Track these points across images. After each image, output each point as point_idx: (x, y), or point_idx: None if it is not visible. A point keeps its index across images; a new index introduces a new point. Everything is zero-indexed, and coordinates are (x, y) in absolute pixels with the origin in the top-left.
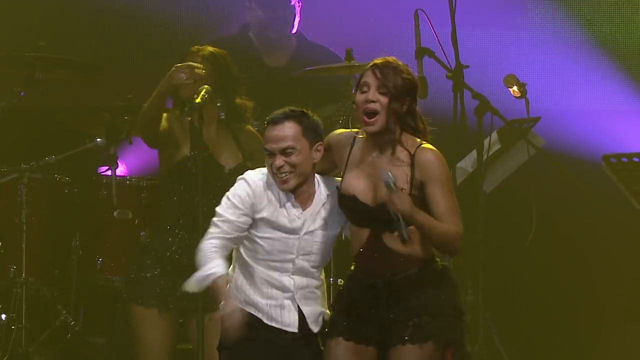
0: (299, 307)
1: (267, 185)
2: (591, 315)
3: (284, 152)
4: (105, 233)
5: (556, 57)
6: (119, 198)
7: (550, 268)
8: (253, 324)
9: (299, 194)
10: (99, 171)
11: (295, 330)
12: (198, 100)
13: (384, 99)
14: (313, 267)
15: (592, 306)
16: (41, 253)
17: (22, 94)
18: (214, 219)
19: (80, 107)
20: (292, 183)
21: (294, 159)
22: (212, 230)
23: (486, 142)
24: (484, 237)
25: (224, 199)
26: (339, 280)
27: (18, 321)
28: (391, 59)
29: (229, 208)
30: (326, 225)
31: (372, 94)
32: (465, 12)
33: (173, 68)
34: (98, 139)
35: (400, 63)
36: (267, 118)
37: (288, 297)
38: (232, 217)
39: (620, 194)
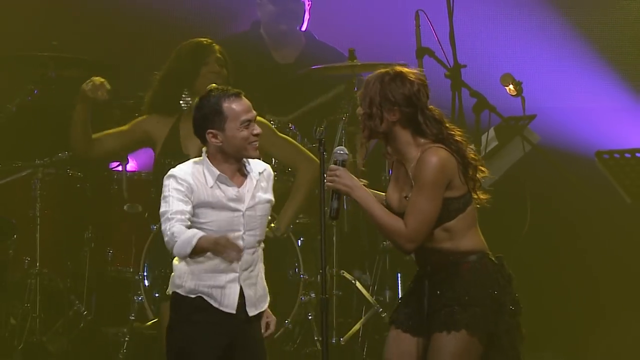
0: (241, 289)
1: (194, 174)
2: (583, 305)
3: (254, 119)
4: (116, 226)
5: (551, 57)
6: (129, 192)
7: (544, 259)
8: (201, 306)
9: (234, 174)
10: (110, 167)
11: (234, 311)
12: None
13: (363, 113)
14: (257, 241)
15: (585, 296)
16: (54, 245)
17: (36, 92)
18: (164, 223)
19: (93, 104)
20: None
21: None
22: (167, 224)
23: (484, 138)
24: (481, 229)
25: (163, 200)
26: (342, 271)
27: (32, 311)
28: (383, 70)
29: (173, 202)
30: (263, 200)
31: (359, 108)
32: (464, 13)
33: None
34: None
35: (390, 73)
36: (225, 92)
37: (232, 280)
38: (182, 207)
39: (612, 189)
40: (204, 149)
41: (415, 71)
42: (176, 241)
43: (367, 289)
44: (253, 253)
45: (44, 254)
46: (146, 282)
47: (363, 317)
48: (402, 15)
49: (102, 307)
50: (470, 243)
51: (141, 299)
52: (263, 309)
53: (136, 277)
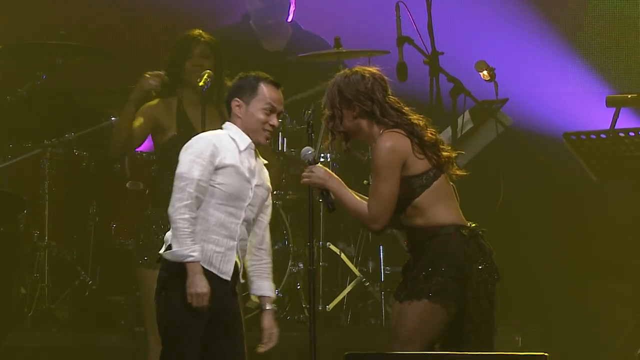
0: (236, 259)
1: (222, 139)
2: (552, 276)
3: (279, 114)
4: (119, 202)
5: (522, 45)
6: (131, 171)
7: (516, 233)
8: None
9: (254, 150)
10: None
11: (229, 279)
12: (201, 83)
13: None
14: (253, 219)
15: (553, 265)
16: (62, 220)
17: (45, 77)
18: (181, 183)
19: (97, 89)
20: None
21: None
22: (180, 196)
23: (460, 120)
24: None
25: (186, 159)
26: (328, 244)
27: (41, 281)
28: (341, 73)
29: (194, 167)
30: (266, 185)
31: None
32: (442, 4)
33: (144, 76)
34: (113, 118)
35: (346, 74)
36: (267, 77)
37: (231, 247)
38: (199, 177)
39: (579, 167)
40: (226, 123)
41: (370, 68)
42: (180, 238)
43: (351, 260)
44: (248, 227)
45: (52, 228)
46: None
47: (348, 286)
48: (383, 6)
49: (106, 277)
50: (441, 217)
51: None
52: (242, 281)
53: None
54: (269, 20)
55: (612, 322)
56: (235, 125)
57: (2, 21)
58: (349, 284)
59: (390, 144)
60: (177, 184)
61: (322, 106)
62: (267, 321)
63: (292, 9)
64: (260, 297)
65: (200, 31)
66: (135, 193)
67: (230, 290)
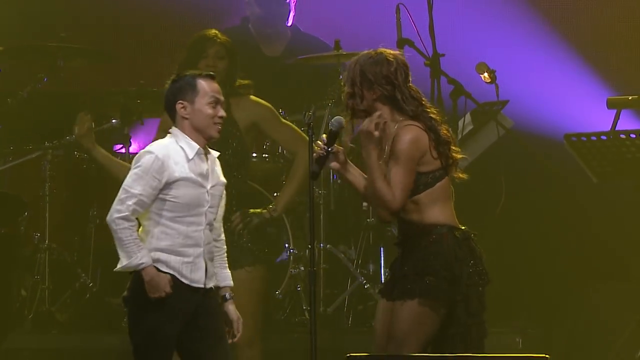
0: (205, 263)
1: (170, 150)
2: (553, 278)
3: (222, 105)
4: None
5: (523, 47)
6: None
7: (517, 235)
8: (173, 285)
9: (203, 150)
10: (114, 149)
11: (202, 285)
12: None
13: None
14: (215, 219)
15: (554, 268)
16: (62, 222)
17: (46, 79)
18: (122, 195)
19: (97, 91)
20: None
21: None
22: (119, 208)
23: (460, 122)
24: (457, 207)
25: (132, 172)
26: (329, 246)
27: (42, 283)
28: (365, 52)
29: (137, 182)
30: (221, 182)
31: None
32: (442, 6)
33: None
34: (113, 120)
35: (370, 54)
36: (200, 73)
37: (199, 254)
38: (140, 192)
39: (579, 169)
40: (172, 128)
41: (394, 52)
42: (125, 248)
43: (352, 263)
44: (211, 229)
45: (52, 230)
46: None
47: (348, 289)
48: (383, 8)
49: (107, 279)
50: (436, 217)
51: None
52: (215, 282)
53: None
54: (268, 29)
55: (613, 324)
56: (181, 131)
57: (3, 23)
58: (349, 286)
59: (413, 136)
60: (119, 195)
61: (342, 83)
62: (232, 312)
63: (291, 14)
64: (223, 287)
65: (217, 32)
66: None
67: (202, 295)
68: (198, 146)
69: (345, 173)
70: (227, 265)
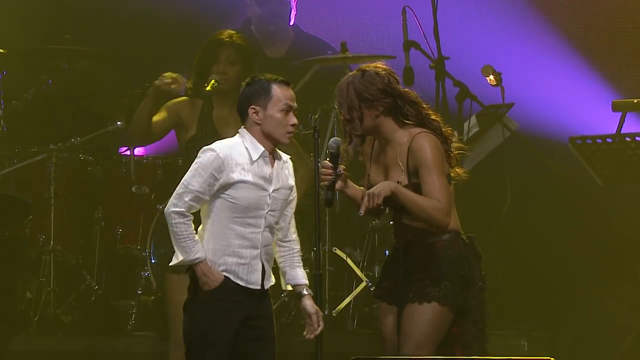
0: (262, 265)
1: (234, 151)
2: (559, 281)
3: (295, 112)
4: (125, 206)
5: (528, 49)
6: (137, 175)
7: (523, 238)
8: (227, 285)
9: (270, 154)
10: (119, 151)
11: (259, 287)
12: (208, 88)
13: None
14: (275, 222)
15: (560, 272)
16: (67, 224)
17: (50, 82)
18: (180, 190)
19: (102, 94)
20: None
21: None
22: (176, 202)
23: (466, 125)
24: (464, 209)
25: (193, 167)
26: (334, 248)
27: (47, 285)
28: (350, 75)
29: (195, 178)
30: (287, 185)
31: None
32: (448, 9)
33: (162, 76)
34: (118, 122)
35: (357, 75)
36: (276, 78)
37: (255, 256)
38: (200, 189)
39: (585, 172)
40: (241, 128)
41: (379, 64)
42: (180, 243)
43: (358, 265)
44: (271, 231)
45: (57, 232)
46: (152, 259)
47: (354, 291)
48: (389, 11)
49: (112, 281)
50: (451, 223)
51: (148, 275)
52: (273, 282)
53: (143, 254)
54: (270, 27)
55: (618, 327)
56: (249, 133)
57: (8, 25)
58: (355, 288)
59: (432, 140)
60: (178, 189)
61: (337, 109)
62: (310, 306)
63: (293, 13)
64: (295, 286)
65: (232, 33)
66: (141, 197)
67: (257, 297)
68: (263, 148)
69: (347, 190)
70: (300, 264)
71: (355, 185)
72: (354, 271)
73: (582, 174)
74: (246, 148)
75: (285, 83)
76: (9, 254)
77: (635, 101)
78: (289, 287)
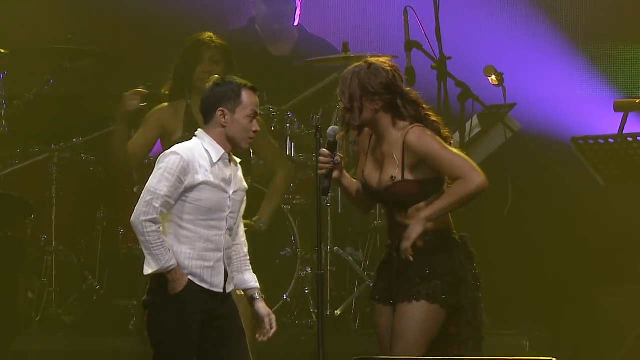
0: (225, 268)
1: (196, 152)
2: (560, 280)
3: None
4: (127, 206)
5: (530, 50)
6: (138, 175)
7: (524, 238)
8: (191, 288)
9: (228, 157)
10: None
11: (221, 290)
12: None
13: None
14: (235, 224)
15: (562, 271)
16: (69, 224)
17: (52, 82)
18: (147, 197)
19: (104, 93)
20: None
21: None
22: (145, 210)
23: (468, 125)
24: (466, 209)
25: (157, 173)
26: (336, 248)
27: (49, 285)
28: (357, 65)
29: (162, 183)
30: (242, 187)
31: (341, 104)
32: (450, 9)
33: (124, 96)
34: None
35: (364, 66)
36: (246, 83)
37: (219, 259)
38: (168, 194)
39: (587, 172)
40: (199, 131)
41: (385, 60)
42: (153, 252)
43: (359, 265)
44: (230, 234)
45: (59, 232)
46: None
47: (355, 291)
48: (391, 11)
49: (114, 281)
50: (438, 222)
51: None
52: (239, 286)
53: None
54: (275, 26)
55: (620, 327)
56: (208, 135)
57: (9, 25)
58: (357, 288)
59: (426, 131)
60: (144, 196)
61: (338, 98)
62: (263, 309)
63: (298, 12)
64: (246, 290)
65: (211, 35)
66: None
67: (220, 298)
68: (223, 151)
69: (342, 180)
70: (249, 268)
71: (351, 178)
72: (356, 271)
73: (584, 174)
74: (206, 150)
75: (253, 89)
76: (10, 254)
77: (637, 101)
78: (240, 292)
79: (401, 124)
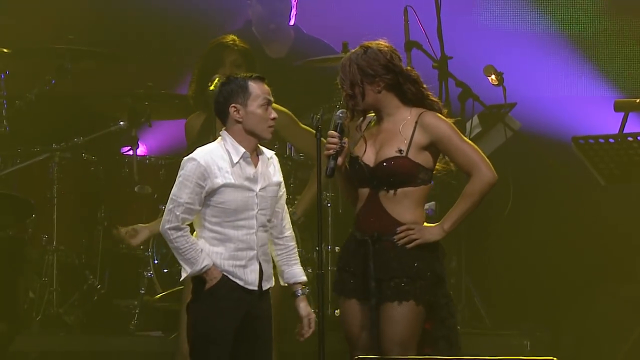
0: (260, 266)
1: (215, 156)
2: (561, 280)
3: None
4: (128, 206)
5: (530, 50)
6: (139, 175)
7: (525, 236)
8: (226, 284)
9: (252, 154)
10: (121, 151)
11: (256, 288)
12: (212, 87)
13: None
14: (268, 221)
15: (562, 271)
16: (70, 224)
17: (53, 82)
18: (170, 205)
19: (105, 93)
20: None
21: None
22: (169, 218)
23: (468, 125)
24: None
25: (177, 181)
26: (337, 248)
27: (50, 285)
28: (353, 51)
29: (182, 191)
30: (273, 182)
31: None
32: (450, 9)
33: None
34: (121, 122)
35: (360, 51)
36: (251, 75)
37: (252, 257)
38: (189, 200)
39: (587, 172)
40: (222, 131)
41: (381, 41)
42: (185, 256)
43: None
44: (265, 230)
45: (60, 232)
46: (155, 259)
47: None
48: (391, 10)
49: (115, 281)
50: (418, 216)
51: (151, 275)
52: (273, 284)
53: (146, 253)
54: (271, 25)
55: (621, 327)
56: (230, 135)
57: (11, 25)
58: None
59: (441, 116)
60: (168, 205)
61: (339, 86)
62: (303, 308)
63: (293, 12)
64: (292, 284)
65: (235, 38)
66: (144, 197)
67: (256, 296)
68: (244, 150)
69: (342, 167)
70: (296, 261)
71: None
72: None
73: (584, 173)
74: (227, 151)
75: (260, 78)
76: (11, 254)
77: (637, 101)
78: (286, 285)
79: (410, 103)
